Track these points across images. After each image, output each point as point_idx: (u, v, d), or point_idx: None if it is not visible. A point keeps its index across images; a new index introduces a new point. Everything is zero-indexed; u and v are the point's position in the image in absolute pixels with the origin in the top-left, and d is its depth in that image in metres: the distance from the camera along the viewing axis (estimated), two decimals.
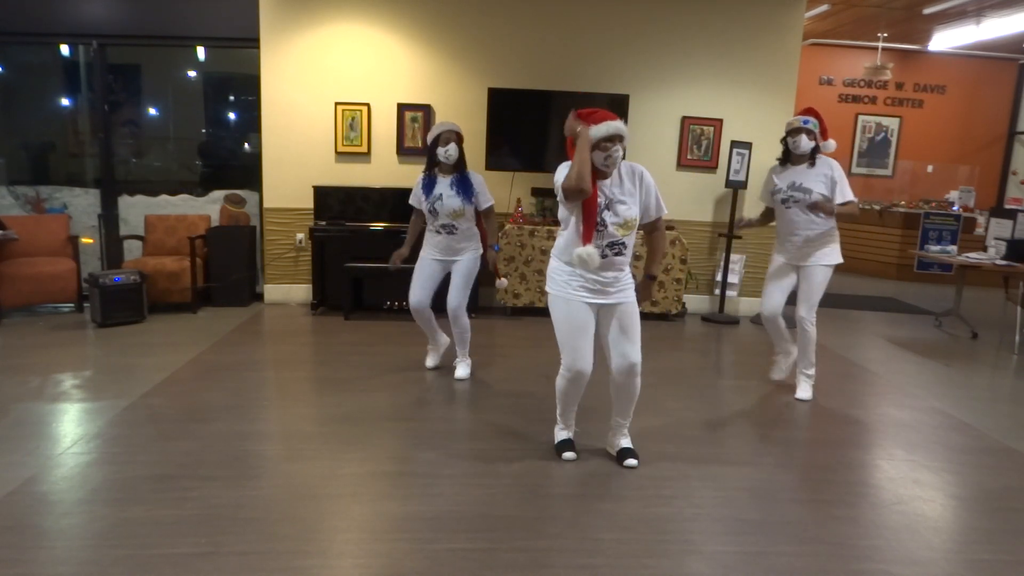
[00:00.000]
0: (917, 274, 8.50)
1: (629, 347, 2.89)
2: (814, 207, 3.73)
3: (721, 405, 3.95)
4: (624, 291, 2.87)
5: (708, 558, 2.36)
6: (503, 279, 4.23)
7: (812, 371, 4.03)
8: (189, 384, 3.95)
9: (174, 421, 3.38)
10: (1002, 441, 3.54)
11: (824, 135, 3.82)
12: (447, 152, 3.80)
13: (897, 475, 3.09)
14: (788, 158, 3.87)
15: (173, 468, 2.87)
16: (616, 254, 2.80)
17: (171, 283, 5.61)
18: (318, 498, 2.67)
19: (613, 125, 2.66)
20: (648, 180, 2.84)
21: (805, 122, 3.75)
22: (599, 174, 2.74)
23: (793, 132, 3.77)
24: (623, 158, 2.80)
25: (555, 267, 2.89)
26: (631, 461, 3.04)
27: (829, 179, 3.77)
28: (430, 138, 3.87)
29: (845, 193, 3.78)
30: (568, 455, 3.09)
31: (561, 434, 3.17)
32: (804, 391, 4.03)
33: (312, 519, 2.52)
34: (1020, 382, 4.69)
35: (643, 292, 2.99)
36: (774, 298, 3.99)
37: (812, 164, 3.80)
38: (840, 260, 3.94)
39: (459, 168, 3.90)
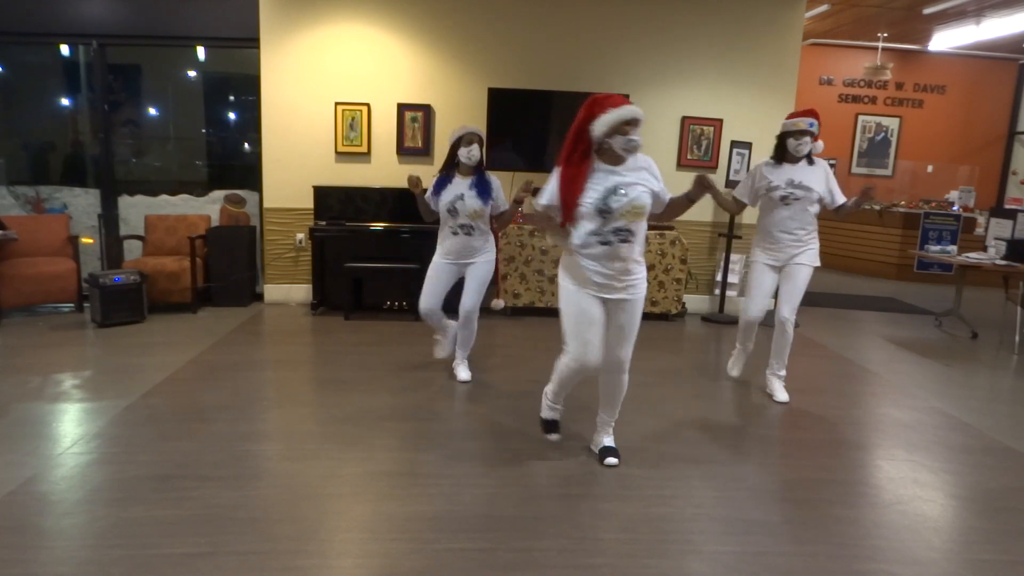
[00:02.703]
0: (917, 274, 8.50)
1: (621, 345, 2.90)
2: (864, 195, 3.69)
3: (721, 405, 3.95)
4: (631, 287, 2.82)
5: (708, 558, 2.36)
6: (500, 300, 4.27)
7: (784, 372, 4.05)
8: (189, 384, 3.95)
9: (174, 421, 3.38)
10: (1002, 441, 3.54)
11: (815, 137, 3.81)
12: (470, 153, 3.80)
13: (897, 475, 3.09)
14: (783, 157, 3.83)
15: (173, 468, 2.87)
16: (622, 241, 2.71)
17: (171, 283, 5.62)
18: (318, 498, 2.67)
19: (631, 109, 2.69)
20: (656, 170, 2.85)
21: (811, 124, 3.73)
22: (613, 160, 2.74)
23: (799, 134, 3.73)
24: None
25: (565, 258, 2.88)
26: (611, 460, 3.03)
27: (826, 179, 3.81)
28: (452, 139, 3.88)
29: (838, 193, 3.84)
30: (554, 437, 3.18)
31: (550, 413, 3.20)
32: (782, 393, 4.01)
33: (312, 519, 2.52)
34: (1020, 382, 4.69)
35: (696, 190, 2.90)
36: (761, 303, 4.01)
37: (811, 163, 3.82)
38: (819, 263, 3.94)
39: (479, 169, 3.90)
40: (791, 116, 3.83)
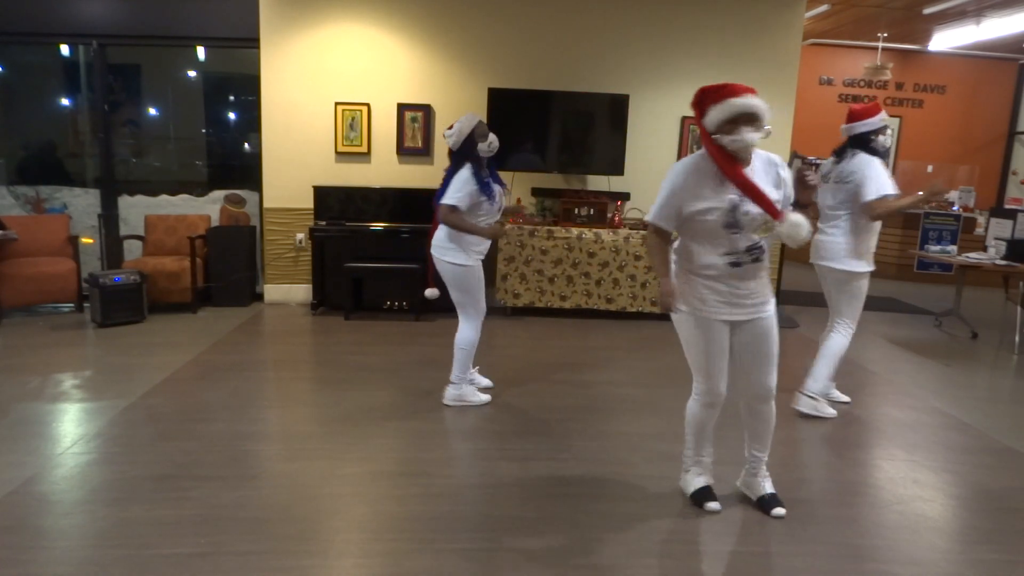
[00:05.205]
0: (917, 274, 8.49)
1: (762, 371, 2.54)
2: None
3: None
4: (761, 304, 2.48)
5: (708, 558, 2.36)
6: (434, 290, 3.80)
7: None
8: (189, 384, 3.95)
9: (174, 421, 3.38)
10: (1002, 441, 3.54)
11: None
12: (491, 145, 3.51)
13: (897, 475, 3.09)
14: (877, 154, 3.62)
15: (173, 468, 2.87)
16: (754, 260, 2.40)
17: (171, 283, 5.62)
18: (318, 498, 2.67)
19: (737, 104, 2.26)
20: (785, 172, 2.44)
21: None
22: (738, 161, 2.36)
23: (883, 130, 3.59)
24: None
25: (683, 280, 2.51)
26: (778, 511, 2.63)
27: None
28: (463, 135, 3.49)
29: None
30: (712, 506, 2.65)
31: (697, 480, 2.72)
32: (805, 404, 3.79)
33: (312, 519, 2.52)
34: (1020, 382, 4.69)
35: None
36: None
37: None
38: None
39: (490, 162, 3.62)
40: (863, 115, 3.59)
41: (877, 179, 3.52)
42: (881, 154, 3.62)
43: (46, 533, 2.38)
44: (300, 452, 3.09)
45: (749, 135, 2.27)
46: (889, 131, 3.64)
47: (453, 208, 3.46)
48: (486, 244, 3.65)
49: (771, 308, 2.51)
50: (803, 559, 2.37)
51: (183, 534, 2.38)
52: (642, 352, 4.95)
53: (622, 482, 2.89)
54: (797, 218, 2.28)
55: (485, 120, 5.58)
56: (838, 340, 3.74)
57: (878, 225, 3.67)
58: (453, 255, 3.56)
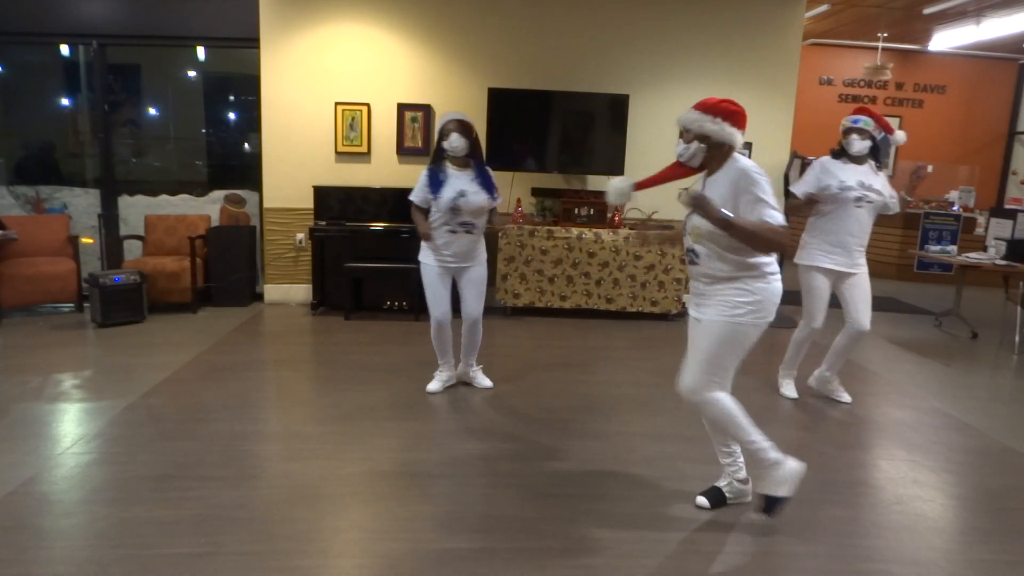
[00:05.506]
0: (917, 274, 8.49)
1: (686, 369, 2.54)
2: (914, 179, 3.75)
3: None
4: (703, 307, 2.51)
5: (708, 558, 2.36)
6: None
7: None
8: (189, 384, 3.95)
9: (174, 421, 3.38)
10: (1002, 441, 3.54)
11: (888, 130, 3.78)
12: (451, 144, 3.57)
13: (897, 475, 3.09)
14: (844, 155, 3.73)
15: (173, 468, 2.87)
16: (690, 262, 2.54)
17: (171, 283, 5.62)
18: (318, 498, 2.67)
19: (679, 118, 2.50)
20: (745, 186, 2.34)
21: (855, 121, 3.66)
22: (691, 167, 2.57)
23: (843, 133, 3.70)
24: (708, 154, 2.47)
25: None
26: (700, 499, 2.71)
27: (883, 185, 3.77)
28: (437, 130, 3.71)
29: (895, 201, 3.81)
30: (698, 500, 2.71)
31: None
32: (845, 394, 4.06)
33: (312, 519, 2.52)
34: (1020, 382, 4.69)
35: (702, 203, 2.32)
36: (825, 311, 3.87)
37: (878, 167, 3.77)
38: None
39: (476, 159, 3.68)
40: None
41: (802, 178, 3.81)
42: (851, 156, 3.72)
43: (46, 533, 2.38)
44: (300, 452, 3.09)
45: (677, 147, 2.55)
46: (855, 136, 3.65)
47: (413, 204, 3.75)
48: (451, 247, 3.68)
49: (709, 314, 2.47)
50: (803, 559, 2.37)
51: (183, 534, 2.38)
52: (642, 352, 4.95)
53: (622, 482, 2.89)
54: (612, 181, 2.69)
55: (485, 120, 5.65)
56: (795, 331, 4.02)
57: (830, 225, 3.75)
58: (421, 251, 3.79)
